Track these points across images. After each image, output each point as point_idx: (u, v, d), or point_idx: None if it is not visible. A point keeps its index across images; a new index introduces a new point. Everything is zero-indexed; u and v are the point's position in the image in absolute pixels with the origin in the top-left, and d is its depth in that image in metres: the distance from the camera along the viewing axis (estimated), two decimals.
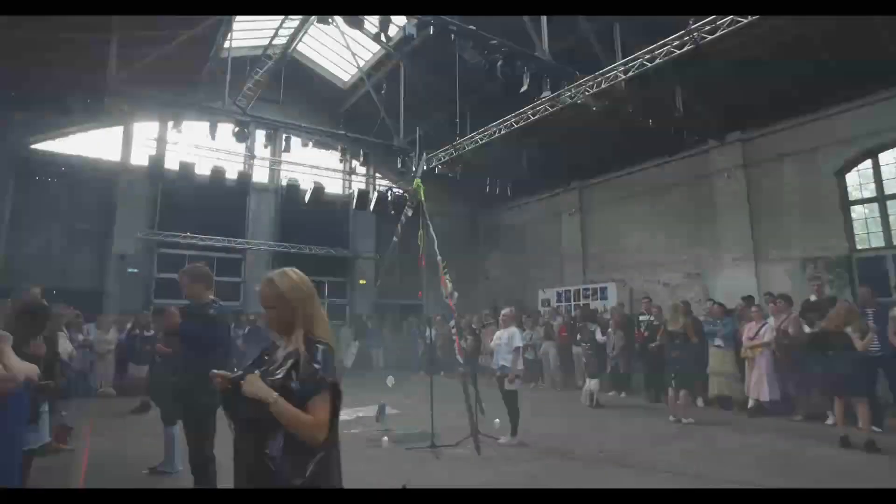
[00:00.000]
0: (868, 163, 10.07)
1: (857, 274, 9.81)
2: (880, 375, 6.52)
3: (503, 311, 6.58)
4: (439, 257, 6.49)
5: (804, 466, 4.89)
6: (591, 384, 8.35)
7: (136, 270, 13.06)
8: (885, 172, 9.87)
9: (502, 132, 10.30)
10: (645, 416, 7.63)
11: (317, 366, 1.78)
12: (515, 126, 9.95)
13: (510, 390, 6.12)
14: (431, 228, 6.56)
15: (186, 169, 11.10)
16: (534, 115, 9.38)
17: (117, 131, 13.51)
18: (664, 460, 5.16)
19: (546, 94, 8.36)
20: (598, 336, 8.68)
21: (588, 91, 8.23)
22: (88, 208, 13.10)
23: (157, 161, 10.78)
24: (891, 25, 8.54)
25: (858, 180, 10.20)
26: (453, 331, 6.39)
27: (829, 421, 6.60)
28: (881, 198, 9.87)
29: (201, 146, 12.75)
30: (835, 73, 9.61)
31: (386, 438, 6.04)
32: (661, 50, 7.24)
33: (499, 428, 6.65)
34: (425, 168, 7.78)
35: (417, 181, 6.89)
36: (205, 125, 10.93)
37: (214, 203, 13.36)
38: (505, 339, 6.23)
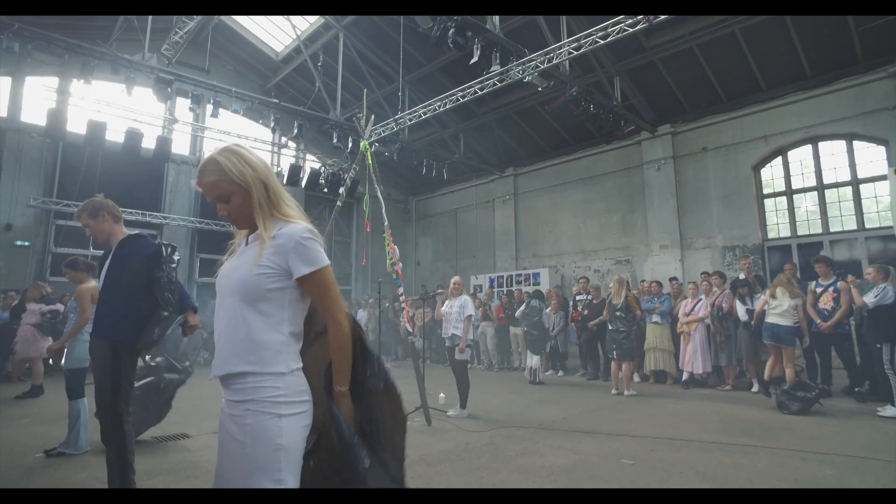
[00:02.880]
0: (779, 160, 10.91)
1: (768, 261, 10.64)
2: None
3: (453, 280, 6.33)
4: (387, 222, 6.16)
5: (744, 425, 5.09)
6: (534, 361, 8.35)
7: (26, 243, 11.42)
8: (793, 169, 10.75)
9: (447, 106, 10.06)
10: (587, 391, 7.73)
11: (307, 238, 1.44)
12: (461, 101, 9.74)
13: (461, 360, 5.89)
14: (380, 192, 6.21)
15: (96, 130, 9.79)
16: (482, 89, 9.23)
17: (3, 83, 11.74)
18: (620, 426, 5.17)
19: (496, 68, 8.22)
20: (545, 314, 8.69)
21: (539, 66, 8.18)
22: None
23: (57, 116, 9.41)
24: (803, 35, 9.32)
25: (771, 175, 11.03)
26: (402, 298, 6.05)
27: (754, 389, 7.05)
28: (788, 192, 10.74)
29: (112, 104, 11.36)
30: (753, 74, 10.35)
31: None
32: (614, 28, 7.32)
33: (444, 403, 6.43)
34: (370, 135, 7.34)
35: (365, 143, 6.49)
36: (118, 86, 9.72)
37: (127, 171, 11.99)
38: (457, 308, 5.99)
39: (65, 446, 4.13)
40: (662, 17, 6.69)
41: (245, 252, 1.47)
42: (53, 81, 11.68)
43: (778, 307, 6.05)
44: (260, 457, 1.30)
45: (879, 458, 3.82)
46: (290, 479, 1.34)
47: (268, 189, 1.48)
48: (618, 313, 7.23)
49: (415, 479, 3.55)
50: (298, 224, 1.47)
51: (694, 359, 7.47)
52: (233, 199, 1.47)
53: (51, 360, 8.87)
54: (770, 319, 6.08)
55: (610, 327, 7.38)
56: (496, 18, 8.37)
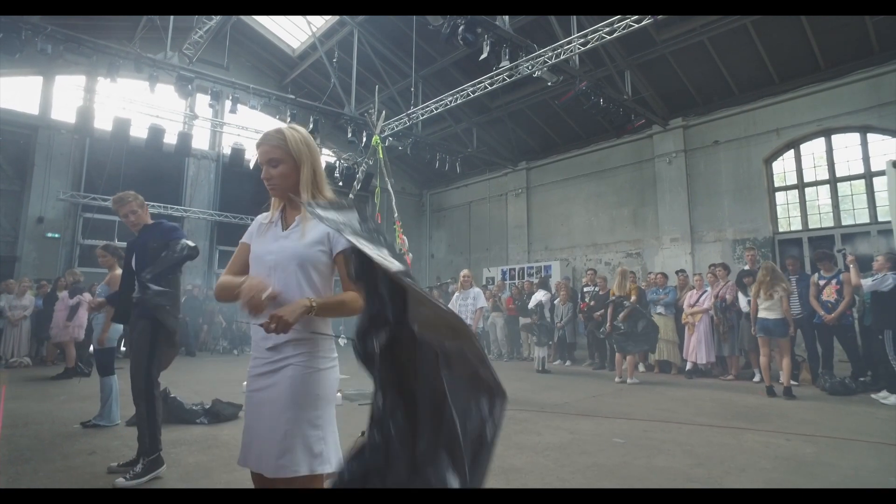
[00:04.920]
0: (791, 153, 10.89)
1: (779, 254, 10.65)
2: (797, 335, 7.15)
3: (462, 273, 6.59)
4: (396, 214, 6.42)
5: (739, 410, 5.26)
6: (541, 350, 8.57)
7: (57, 235, 11.98)
8: (805, 162, 10.72)
9: (458, 102, 10.27)
10: (592, 379, 7.94)
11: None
12: (472, 96, 9.94)
13: None
14: (390, 185, 6.47)
15: (121, 126, 10.25)
16: (491, 84, 9.42)
17: (35, 81, 12.28)
18: (617, 410, 5.38)
19: (505, 63, 8.40)
20: (543, 299, 8.88)
21: (547, 62, 8.33)
22: None
23: (85, 113, 9.87)
24: (817, 27, 9.30)
25: (783, 168, 11.02)
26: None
27: (756, 379, 7.17)
28: (800, 185, 10.73)
29: (136, 101, 11.82)
30: (765, 66, 10.34)
31: (339, 394, 5.91)
32: (620, 24, 7.44)
33: None
34: (383, 130, 7.63)
35: (376, 138, 6.75)
36: (141, 83, 10.12)
37: (149, 165, 12.46)
38: (471, 299, 6.28)
39: (99, 419, 4.51)
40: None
41: (294, 232, 1.67)
42: (81, 80, 12.18)
43: (764, 302, 6.20)
44: (301, 402, 1.53)
45: (862, 440, 3.98)
46: (326, 423, 1.57)
47: (315, 172, 1.69)
48: (626, 303, 7.37)
49: None
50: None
51: (698, 349, 7.62)
52: (280, 166, 1.66)
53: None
54: (760, 315, 6.23)
55: (621, 327, 7.49)
56: (505, 15, 8.54)
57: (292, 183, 1.68)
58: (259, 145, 1.70)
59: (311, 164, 1.68)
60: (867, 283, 5.94)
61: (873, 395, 5.73)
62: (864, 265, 6.71)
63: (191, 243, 3.47)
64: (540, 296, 8.95)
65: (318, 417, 1.54)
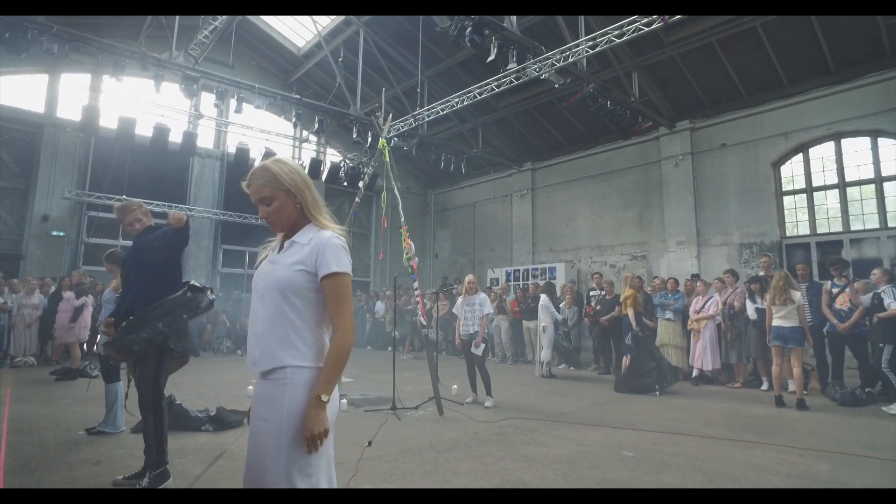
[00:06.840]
0: (800, 156, 10.79)
1: (786, 258, 10.57)
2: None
3: (468, 279, 6.54)
4: (403, 218, 6.36)
5: (748, 421, 5.20)
6: (544, 354, 8.51)
7: (62, 234, 11.98)
8: (814, 166, 10.62)
9: (465, 103, 10.21)
10: (597, 384, 7.88)
11: (337, 243, 1.60)
12: (478, 97, 9.88)
13: (478, 354, 6.14)
14: (396, 189, 6.41)
15: (126, 125, 10.23)
16: (498, 86, 9.35)
17: (41, 80, 12.27)
18: (625, 419, 5.33)
19: (512, 65, 8.33)
20: (542, 302, 8.83)
21: (555, 64, 8.26)
22: (4, 163, 11.85)
23: (90, 112, 9.85)
24: (827, 29, 9.18)
25: (791, 172, 10.92)
26: (416, 292, 6.29)
27: (764, 387, 7.11)
28: (809, 189, 10.63)
29: (141, 100, 11.79)
30: (774, 69, 10.23)
31: (344, 401, 5.88)
32: (630, 27, 7.36)
33: (456, 394, 6.66)
34: (389, 131, 7.59)
35: (383, 141, 6.69)
36: (147, 82, 10.08)
37: (154, 164, 12.46)
38: (478, 305, 6.24)
39: (104, 425, 4.48)
40: (678, 16, 6.72)
41: (282, 256, 1.64)
42: (87, 79, 12.15)
43: (780, 311, 6.12)
44: (292, 433, 1.46)
45: (876, 457, 3.92)
46: (316, 471, 1.49)
47: (310, 197, 1.67)
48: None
49: (424, 464, 3.78)
50: (331, 230, 1.64)
51: (703, 355, 7.56)
52: (274, 203, 1.63)
53: (84, 346, 9.35)
54: (775, 322, 6.14)
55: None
56: (513, 16, 8.47)
57: (289, 215, 1.67)
58: (248, 185, 1.67)
59: (307, 190, 1.67)
60: (867, 299, 5.91)
61: (884, 408, 5.67)
62: (870, 271, 6.63)
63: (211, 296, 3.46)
64: (545, 314, 8.83)
65: (308, 466, 1.48)
